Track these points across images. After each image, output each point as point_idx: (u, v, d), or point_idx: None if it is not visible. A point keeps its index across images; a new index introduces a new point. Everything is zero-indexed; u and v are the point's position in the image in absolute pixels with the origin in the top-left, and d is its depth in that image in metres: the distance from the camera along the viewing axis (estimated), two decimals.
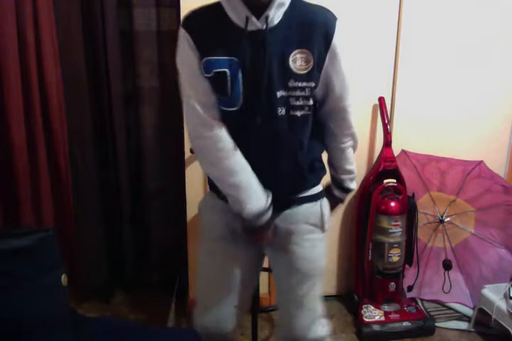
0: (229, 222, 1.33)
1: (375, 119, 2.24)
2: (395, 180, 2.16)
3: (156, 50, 2.13)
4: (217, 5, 1.19)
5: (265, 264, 2.20)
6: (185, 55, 1.19)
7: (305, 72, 1.17)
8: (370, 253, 2.17)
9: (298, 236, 1.33)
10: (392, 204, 2.09)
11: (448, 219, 2.30)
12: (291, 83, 1.17)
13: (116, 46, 2.09)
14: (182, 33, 1.19)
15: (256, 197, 1.22)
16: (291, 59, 1.16)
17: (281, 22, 1.16)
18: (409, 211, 2.15)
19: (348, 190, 1.47)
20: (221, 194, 1.30)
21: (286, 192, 1.31)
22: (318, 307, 1.40)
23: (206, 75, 1.17)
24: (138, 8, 2.07)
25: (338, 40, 1.19)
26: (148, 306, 2.17)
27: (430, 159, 2.27)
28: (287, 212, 1.31)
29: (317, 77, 1.20)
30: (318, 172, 1.36)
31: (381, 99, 2.17)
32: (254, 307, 1.84)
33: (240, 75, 1.16)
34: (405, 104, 2.24)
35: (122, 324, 1.30)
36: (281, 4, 1.15)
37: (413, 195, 2.20)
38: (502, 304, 1.99)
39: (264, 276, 2.25)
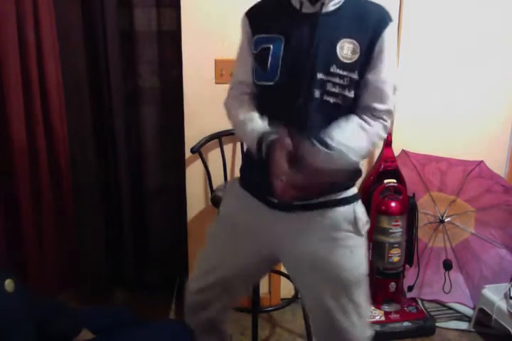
0: (248, 214, 1.31)
1: None
2: (395, 180, 2.15)
3: (156, 50, 2.13)
4: None
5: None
6: (243, 38, 1.29)
7: (349, 61, 1.18)
8: (371, 254, 2.17)
9: (326, 243, 1.25)
10: (393, 204, 2.09)
11: (448, 219, 2.30)
12: (333, 69, 1.18)
13: (116, 46, 2.09)
14: (242, 19, 1.28)
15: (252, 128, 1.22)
16: (338, 46, 1.17)
17: (337, 9, 1.19)
18: (410, 211, 2.15)
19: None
20: (246, 180, 1.34)
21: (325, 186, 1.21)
22: (366, 309, 1.33)
23: (254, 52, 1.24)
24: (138, 8, 2.06)
25: (387, 41, 1.19)
26: (148, 306, 2.17)
27: (430, 159, 2.27)
28: (319, 212, 1.25)
29: (362, 70, 1.19)
30: (356, 173, 1.31)
31: None
32: (254, 307, 1.84)
33: (282, 52, 1.20)
34: (405, 104, 2.24)
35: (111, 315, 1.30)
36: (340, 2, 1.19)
37: (413, 195, 2.20)
38: (502, 304, 1.99)
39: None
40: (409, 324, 2.12)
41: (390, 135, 2.17)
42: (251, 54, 1.25)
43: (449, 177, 2.28)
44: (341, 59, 1.17)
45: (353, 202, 1.28)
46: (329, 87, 1.18)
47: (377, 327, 2.09)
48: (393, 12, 2.14)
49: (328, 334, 1.32)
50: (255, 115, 1.25)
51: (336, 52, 1.17)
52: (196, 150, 1.95)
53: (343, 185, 1.27)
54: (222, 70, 2.02)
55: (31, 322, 0.93)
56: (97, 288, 2.31)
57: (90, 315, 1.18)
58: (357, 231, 1.26)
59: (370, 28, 1.18)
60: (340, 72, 1.18)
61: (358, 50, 1.17)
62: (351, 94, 1.20)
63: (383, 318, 2.13)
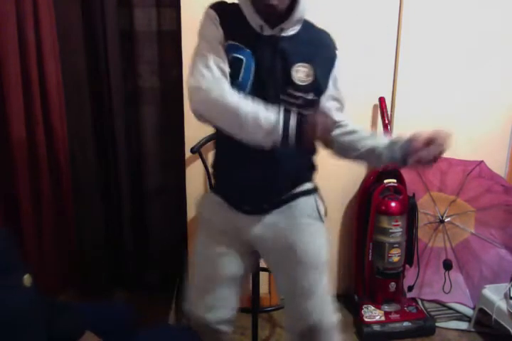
0: (225, 219, 1.40)
1: (375, 119, 2.24)
2: (395, 180, 2.16)
3: (156, 50, 2.13)
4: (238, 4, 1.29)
5: (265, 264, 2.20)
6: (212, 28, 1.25)
7: (303, 84, 1.27)
8: (371, 254, 2.17)
9: (296, 229, 1.37)
10: (393, 204, 2.09)
11: (448, 219, 2.30)
12: (290, 90, 1.26)
13: (116, 46, 2.09)
14: (210, 12, 1.26)
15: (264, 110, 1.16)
16: (294, 69, 1.26)
17: (295, 34, 1.27)
18: (410, 211, 2.15)
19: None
20: (220, 191, 1.41)
21: (286, 186, 1.38)
22: (328, 294, 1.41)
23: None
24: (138, 8, 2.06)
25: (340, 68, 1.33)
26: (148, 306, 2.17)
27: None
28: (286, 206, 1.38)
29: (316, 91, 1.30)
30: (313, 168, 1.44)
31: (381, 99, 2.17)
32: (254, 307, 1.84)
33: (253, 67, 1.24)
34: (405, 104, 2.24)
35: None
36: (298, 21, 1.26)
37: (413, 195, 2.19)
38: (502, 304, 1.99)
39: (264, 276, 2.25)
40: (409, 324, 2.12)
41: (389, 135, 2.17)
42: (224, 51, 1.24)
43: (449, 177, 2.28)
44: (296, 81, 1.26)
45: (313, 193, 1.42)
46: (288, 107, 1.23)
47: (377, 327, 2.10)
48: (393, 12, 2.16)
49: (291, 315, 1.43)
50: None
51: (291, 75, 1.26)
52: (196, 150, 1.95)
53: (303, 179, 1.42)
54: None
55: (43, 318, 0.93)
56: (97, 288, 2.31)
57: (91, 315, 1.18)
58: (319, 217, 1.41)
59: (323, 55, 1.31)
60: (296, 93, 1.27)
61: (312, 74, 1.27)
62: (309, 112, 1.25)
63: (383, 318, 2.13)
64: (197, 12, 1.97)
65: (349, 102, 2.14)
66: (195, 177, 2.15)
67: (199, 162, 2.04)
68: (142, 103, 2.18)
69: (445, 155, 2.36)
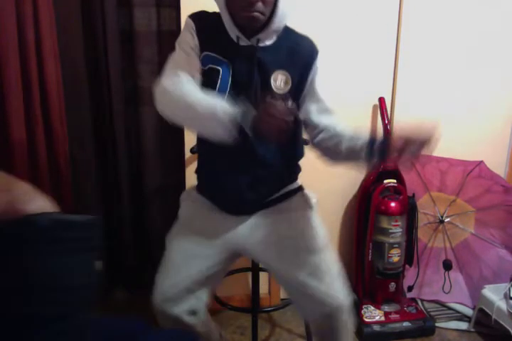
0: (208, 219, 1.42)
1: (375, 119, 2.24)
2: (395, 180, 2.16)
3: (156, 50, 2.13)
4: (217, 16, 1.30)
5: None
6: (188, 37, 1.29)
7: (282, 92, 1.29)
8: (370, 254, 2.17)
9: (291, 219, 1.41)
10: (392, 204, 2.09)
11: (448, 219, 2.30)
12: (268, 99, 1.23)
13: (116, 46, 2.09)
14: (188, 22, 1.30)
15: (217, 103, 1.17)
16: (272, 78, 1.28)
17: (272, 45, 1.29)
18: (410, 211, 2.15)
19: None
20: (205, 192, 1.44)
21: (272, 190, 1.42)
22: (338, 272, 1.41)
23: (202, 68, 1.27)
24: (138, 8, 2.06)
25: (317, 71, 1.33)
26: (148, 306, 2.17)
27: (430, 159, 2.27)
28: (277, 206, 1.43)
29: (296, 98, 1.31)
30: (298, 169, 1.49)
31: (381, 99, 2.17)
32: (254, 307, 1.84)
33: (230, 77, 1.26)
34: (405, 104, 2.24)
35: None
36: (275, 31, 1.27)
37: (413, 195, 2.19)
38: (502, 304, 1.99)
39: (264, 276, 2.25)
40: (409, 324, 2.12)
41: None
42: (199, 60, 1.27)
43: (449, 178, 2.28)
44: (275, 90, 1.28)
45: (300, 191, 1.48)
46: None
47: (377, 327, 2.10)
48: (393, 12, 2.16)
49: (309, 303, 1.39)
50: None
51: (270, 85, 1.27)
52: (196, 150, 1.95)
53: (290, 180, 1.47)
54: None
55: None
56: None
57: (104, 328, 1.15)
58: (310, 206, 1.45)
59: (301, 60, 1.31)
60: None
61: (290, 81, 1.29)
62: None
63: (383, 318, 2.13)
64: None
65: (349, 102, 2.16)
66: (195, 177, 2.15)
67: None
68: (142, 103, 2.18)
69: (445, 155, 2.38)
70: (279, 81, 1.28)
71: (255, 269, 1.81)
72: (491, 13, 2.20)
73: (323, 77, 1.36)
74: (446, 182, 2.29)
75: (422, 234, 2.30)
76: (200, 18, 1.31)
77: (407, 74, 2.20)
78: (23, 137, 1.91)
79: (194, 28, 1.28)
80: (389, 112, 2.20)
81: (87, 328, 0.74)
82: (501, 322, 1.99)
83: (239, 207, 1.41)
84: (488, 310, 2.06)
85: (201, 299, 1.43)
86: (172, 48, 2.10)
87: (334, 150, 1.33)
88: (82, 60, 2.09)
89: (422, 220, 2.26)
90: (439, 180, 2.30)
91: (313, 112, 1.37)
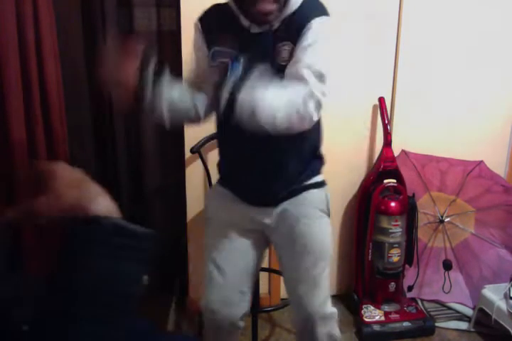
0: (234, 211, 1.44)
1: (375, 119, 2.24)
2: (395, 180, 2.15)
3: (156, 50, 2.13)
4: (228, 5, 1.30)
5: (265, 264, 2.20)
6: (195, 43, 1.36)
7: (286, 63, 1.25)
8: (370, 253, 2.17)
9: (308, 219, 1.41)
10: (392, 204, 2.09)
11: (448, 219, 2.30)
12: (280, 74, 1.24)
13: None
14: (195, 23, 1.35)
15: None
16: (276, 52, 1.25)
17: (281, 25, 1.26)
18: (410, 211, 2.15)
19: None
20: (228, 185, 1.44)
21: (294, 178, 1.40)
22: (327, 286, 1.47)
23: (212, 64, 1.30)
24: (138, 8, 2.06)
25: (314, 32, 1.21)
26: (148, 306, 2.17)
27: (430, 159, 2.27)
28: (297, 197, 1.41)
29: None
30: (321, 160, 1.47)
31: (381, 99, 2.17)
32: (254, 307, 1.84)
33: (241, 67, 1.23)
34: (405, 104, 2.24)
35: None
36: (284, 17, 1.25)
37: (413, 195, 2.19)
38: (502, 304, 1.99)
39: (264, 276, 2.25)
40: (409, 324, 2.12)
41: (389, 135, 2.17)
42: (207, 62, 1.32)
43: (448, 177, 2.29)
44: (281, 63, 1.25)
45: (323, 186, 1.46)
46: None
47: (377, 327, 2.10)
48: (393, 12, 2.16)
49: (299, 306, 1.46)
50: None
51: (277, 60, 1.25)
52: (196, 150, 1.95)
53: (314, 172, 1.45)
54: None
55: None
56: None
57: None
58: (327, 211, 1.46)
59: (301, 25, 1.23)
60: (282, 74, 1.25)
61: (293, 49, 1.24)
62: None
63: (383, 318, 2.13)
64: (197, 12, 1.97)
65: (349, 102, 2.16)
66: (195, 177, 2.16)
67: (199, 162, 2.04)
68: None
69: (445, 155, 2.38)
70: (283, 53, 1.25)
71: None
72: (491, 13, 2.20)
73: (319, 43, 1.23)
74: (446, 182, 2.29)
75: (422, 234, 2.30)
76: (208, 15, 1.34)
77: (407, 74, 2.20)
78: (23, 137, 1.91)
79: (200, 28, 1.33)
80: (389, 112, 2.20)
81: (121, 338, 0.74)
82: (501, 322, 1.99)
83: (262, 197, 1.42)
84: (488, 310, 2.06)
85: (248, 303, 1.49)
86: (172, 48, 2.11)
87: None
88: (82, 60, 2.08)
89: (422, 220, 2.26)
90: (439, 180, 2.30)
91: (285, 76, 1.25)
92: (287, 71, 1.23)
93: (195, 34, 1.35)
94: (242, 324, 1.51)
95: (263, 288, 2.28)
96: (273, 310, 2.21)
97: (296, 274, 1.45)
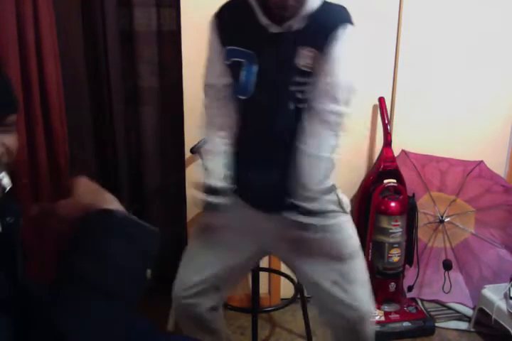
0: (238, 218, 1.38)
1: (375, 119, 2.24)
2: (395, 180, 2.15)
3: (156, 50, 2.13)
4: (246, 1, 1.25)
5: (264, 264, 2.20)
6: (210, 40, 1.31)
7: (310, 70, 1.23)
8: (370, 254, 2.17)
9: (323, 223, 1.34)
10: (392, 204, 2.09)
11: (448, 219, 2.29)
12: (299, 79, 1.23)
13: (116, 46, 2.09)
14: (212, 20, 1.30)
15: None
16: (298, 56, 1.22)
17: (304, 27, 1.23)
18: (410, 211, 2.15)
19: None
20: (243, 194, 1.39)
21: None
22: (365, 282, 1.39)
23: (226, 62, 1.27)
24: (138, 8, 2.06)
25: (341, 42, 1.21)
26: (148, 306, 2.17)
27: (430, 159, 2.27)
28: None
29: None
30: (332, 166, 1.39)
31: (381, 99, 2.17)
32: (254, 307, 1.84)
33: (255, 68, 1.24)
34: (405, 104, 2.24)
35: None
36: (306, 15, 1.21)
37: (413, 195, 2.19)
38: (502, 304, 1.99)
39: (264, 276, 2.25)
40: (409, 324, 2.12)
41: (389, 135, 2.17)
42: (222, 62, 1.28)
43: (448, 177, 2.28)
44: (302, 69, 1.23)
45: (333, 190, 1.38)
46: (299, 96, 1.25)
47: (377, 327, 2.08)
48: (393, 12, 2.16)
49: (331, 312, 1.38)
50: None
51: (297, 64, 1.22)
52: (196, 150, 1.95)
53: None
54: None
55: None
56: None
57: None
58: (342, 209, 1.38)
59: (326, 32, 1.21)
60: (305, 79, 1.23)
61: (318, 56, 1.22)
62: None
63: (383, 318, 2.13)
64: (197, 12, 1.99)
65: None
66: (195, 178, 2.15)
67: (199, 162, 2.04)
68: (142, 103, 2.18)
69: (445, 155, 2.38)
70: (305, 58, 1.22)
71: (255, 269, 1.81)
72: (491, 13, 2.20)
73: (348, 56, 1.24)
74: (446, 182, 2.29)
75: (422, 234, 2.30)
76: (226, 11, 1.29)
77: (407, 74, 2.20)
78: (23, 137, 1.91)
79: (216, 25, 1.28)
80: (389, 112, 2.20)
81: (122, 322, 0.78)
82: (501, 322, 1.99)
83: (272, 203, 1.36)
84: (488, 310, 2.06)
85: (223, 296, 1.45)
86: (172, 48, 2.12)
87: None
88: (82, 60, 2.09)
89: (422, 220, 2.26)
90: (439, 180, 2.30)
91: (313, 88, 1.25)
92: (319, 85, 1.22)
93: (210, 31, 1.31)
94: (211, 315, 1.45)
95: (263, 288, 2.27)
96: (273, 310, 2.21)
97: (324, 278, 1.36)
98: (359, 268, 1.39)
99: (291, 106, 1.25)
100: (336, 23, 1.22)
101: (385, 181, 2.15)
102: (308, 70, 1.23)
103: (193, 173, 2.14)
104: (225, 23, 1.28)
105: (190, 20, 1.98)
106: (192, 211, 2.19)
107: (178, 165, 2.17)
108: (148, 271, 0.83)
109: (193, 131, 2.06)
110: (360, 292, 1.37)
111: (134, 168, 2.27)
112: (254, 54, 1.23)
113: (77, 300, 0.71)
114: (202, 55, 2.00)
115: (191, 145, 1.96)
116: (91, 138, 2.19)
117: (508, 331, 1.93)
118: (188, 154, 2.08)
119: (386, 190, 2.14)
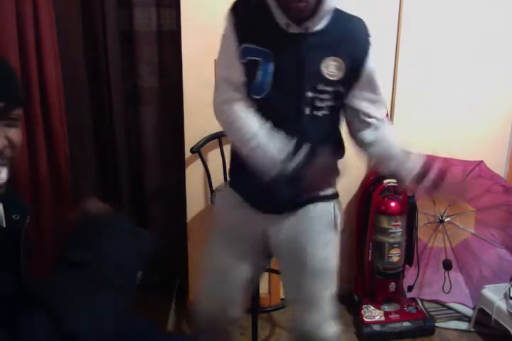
0: (241, 218, 1.38)
1: None
2: (395, 180, 2.15)
3: (156, 50, 2.13)
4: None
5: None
6: (226, 36, 1.26)
7: (334, 78, 1.23)
8: (370, 254, 2.17)
9: (311, 234, 1.36)
10: (392, 204, 2.09)
11: (448, 219, 2.29)
12: (320, 87, 1.23)
13: (116, 46, 2.09)
14: (228, 15, 1.25)
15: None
16: (323, 64, 1.22)
17: (322, 29, 1.22)
18: (410, 211, 2.15)
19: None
20: (239, 189, 1.38)
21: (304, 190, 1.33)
22: (329, 307, 1.40)
23: (241, 61, 1.23)
24: (138, 8, 2.06)
25: (373, 58, 1.28)
26: (148, 306, 2.17)
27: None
28: (302, 210, 1.36)
29: (346, 84, 1.26)
30: (337, 173, 1.38)
31: None
32: (254, 307, 1.84)
33: (272, 68, 1.21)
34: (405, 104, 2.24)
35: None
36: (324, 15, 1.20)
37: (413, 195, 2.19)
38: (502, 304, 1.99)
39: (264, 276, 2.25)
40: (409, 324, 2.12)
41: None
42: (238, 60, 1.24)
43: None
44: (327, 77, 1.23)
45: (333, 199, 1.39)
46: (317, 103, 1.24)
47: (377, 327, 2.10)
48: (393, 12, 2.16)
49: (296, 320, 1.42)
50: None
51: (321, 71, 1.22)
52: (196, 150, 1.95)
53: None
54: None
55: None
56: None
57: None
58: (334, 226, 1.38)
59: (355, 45, 1.25)
60: (327, 88, 1.24)
61: (343, 67, 1.23)
62: (337, 104, 1.28)
63: (383, 318, 2.13)
64: (197, 12, 1.99)
65: None
66: (195, 177, 2.15)
67: (199, 162, 2.04)
68: (142, 103, 2.18)
69: (445, 155, 2.38)
70: (331, 67, 1.22)
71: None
72: (491, 13, 2.20)
73: (376, 65, 1.31)
74: None
75: (422, 234, 2.30)
76: (242, 8, 1.25)
77: (407, 74, 2.20)
78: (23, 137, 1.91)
79: (233, 21, 1.23)
80: (389, 112, 2.20)
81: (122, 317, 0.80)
82: (501, 322, 1.99)
83: (273, 203, 1.35)
84: (488, 310, 2.06)
85: (242, 307, 1.47)
86: (172, 48, 2.11)
87: (379, 152, 1.35)
88: (82, 60, 2.09)
89: (422, 220, 2.26)
90: None
91: (366, 101, 1.33)
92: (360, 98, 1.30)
93: (226, 27, 1.25)
94: (235, 328, 1.51)
95: (263, 288, 2.28)
96: (273, 310, 2.21)
97: (293, 290, 1.42)
98: (330, 291, 1.39)
99: (307, 111, 1.24)
100: (366, 38, 1.27)
101: (385, 181, 2.15)
102: (332, 79, 1.23)
103: (193, 173, 2.15)
104: (241, 20, 1.23)
105: (190, 20, 1.98)
106: (192, 211, 2.19)
107: (178, 165, 2.17)
108: (139, 273, 0.83)
109: (192, 131, 2.06)
110: (325, 314, 1.39)
111: (134, 168, 2.27)
112: (271, 53, 1.21)
113: (77, 288, 0.73)
114: (202, 55, 2.02)
115: (191, 145, 1.97)
116: (91, 138, 2.19)
117: (508, 331, 1.94)
118: (188, 154, 2.08)
119: (386, 190, 2.14)
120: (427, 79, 2.23)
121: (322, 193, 1.36)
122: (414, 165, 1.26)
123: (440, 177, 1.21)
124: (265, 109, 1.25)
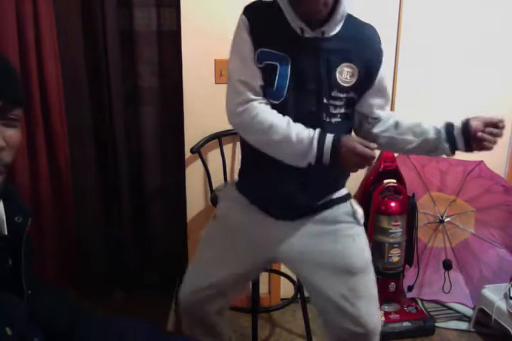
0: (248, 223, 1.36)
1: None
2: (395, 180, 2.16)
3: (156, 50, 2.13)
4: (278, 4, 1.22)
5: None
6: (241, 40, 1.23)
7: (348, 85, 1.24)
8: (371, 254, 2.17)
9: (337, 235, 1.33)
10: (392, 204, 2.09)
11: (448, 219, 2.30)
12: (334, 93, 1.23)
13: (116, 46, 2.09)
14: (242, 18, 1.23)
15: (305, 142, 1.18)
16: (338, 70, 1.22)
17: (336, 34, 1.22)
18: (410, 211, 2.15)
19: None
20: (248, 193, 1.36)
21: (322, 194, 1.34)
22: (374, 296, 1.37)
23: (258, 65, 1.21)
24: (138, 8, 2.06)
25: (384, 66, 1.33)
26: (148, 306, 2.17)
27: (430, 159, 2.27)
28: (322, 214, 1.34)
29: (359, 90, 1.27)
30: (346, 174, 1.40)
31: None
32: (254, 307, 1.84)
33: (289, 72, 1.20)
34: (405, 104, 2.24)
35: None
36: (339, 20, 1.21)
37: (413, 195, 2.19)
38: (502, 304, 1.99)
39: (264, 276, 2.25)
40: (409, 324, 2.12)
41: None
42: (254, 63, 1.22)
43: (448, 177, 2.28)
44: (341, 83, 1.23)
45: (348, 199, 1.39)
46: (331, 110, 1.24)
47: None
48: (393, 12, 2.16)
49: (337, 324, 1.35)
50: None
51: (336, 77, 1.22)
52: (196, 150, 1.95)
53: (337, 187, 1.39)
54: (221, 70, 2.02)
55: None
56: (96, 288, 2.31)
57: None
58: (356, 221, 1.36)
59: (368, 52, 1.27)
60: (340, 95, 1.24)
61: (356, 73, 1.24)
62: (348, 111, 1.28)
63: (383, 318, 2.13)
64: (197, 12, 1.99)
65: None
66: (195, 177, 2.15)
67: (199, 162, 2.04)
68: (142, 103, 2.18)
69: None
70: (345, 74, 1.22)
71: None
72: (491, 13, 2.20)
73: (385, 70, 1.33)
74: (446, 182, 2.29)
75: (422, 234, 2.30)
76: (255, 11, 1.23)
77: (407, 74, 2.20)
78: (24, 137, 1.91)
79: (248, 25, 1.21)
80: None
81: None
82: (501, 322, 1.99)
83: (283, 210, 1.34)
84: (488, 310, 2.06)
85: (230, 300, 1.45)
86: (172, 48, 2.11)
87: (399, 141, 1.33)
88: (82, 60, 2.09)
89: (422, 220, 2.26)
90: (439, 180, 2.30)
91: (376, 107, 1.34)
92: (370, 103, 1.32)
93: (241, 30, 1.22)
94: (216, 319, 1.46)
95: (263, 288, 2.28)
96: (273, 310, 2.21)
97: (335, 291, 1.32)
98: (369, 283, 1.36)
99: (324, 117, 1.23)
100: (379, 45, 1.32)
101: (385, 181, 2.15)
102: (347, 85, 1.23)
103: (193, 173, 2.15)
104: (256, 24, 1.21)
105: (190, 20, 1.98)
106: (192, 211, 2.19)
107: (178, 165, 2.17)
108: (7, 329, 0.77)
109: (192, 131, 2.06)
110: (368, 307, 1.33)
111: (134, 168, 2.27)
112: (288, 57, 1.20)
113: None
114: (202, 55, 2.02)
115: (191, 146, 1.97)
116: (91, 138, 2.19)
117: (508, 331, 1.94)
118: (188, 154, 2.08)
119: (386, 190, 2.14)
120: (427, 79, 2.23)
121: (336, 196, 1.36)
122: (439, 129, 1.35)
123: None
124: (283, 114, 1.22)
